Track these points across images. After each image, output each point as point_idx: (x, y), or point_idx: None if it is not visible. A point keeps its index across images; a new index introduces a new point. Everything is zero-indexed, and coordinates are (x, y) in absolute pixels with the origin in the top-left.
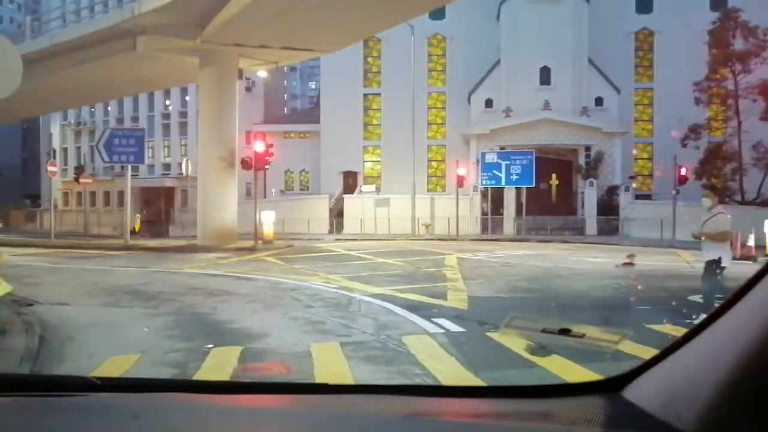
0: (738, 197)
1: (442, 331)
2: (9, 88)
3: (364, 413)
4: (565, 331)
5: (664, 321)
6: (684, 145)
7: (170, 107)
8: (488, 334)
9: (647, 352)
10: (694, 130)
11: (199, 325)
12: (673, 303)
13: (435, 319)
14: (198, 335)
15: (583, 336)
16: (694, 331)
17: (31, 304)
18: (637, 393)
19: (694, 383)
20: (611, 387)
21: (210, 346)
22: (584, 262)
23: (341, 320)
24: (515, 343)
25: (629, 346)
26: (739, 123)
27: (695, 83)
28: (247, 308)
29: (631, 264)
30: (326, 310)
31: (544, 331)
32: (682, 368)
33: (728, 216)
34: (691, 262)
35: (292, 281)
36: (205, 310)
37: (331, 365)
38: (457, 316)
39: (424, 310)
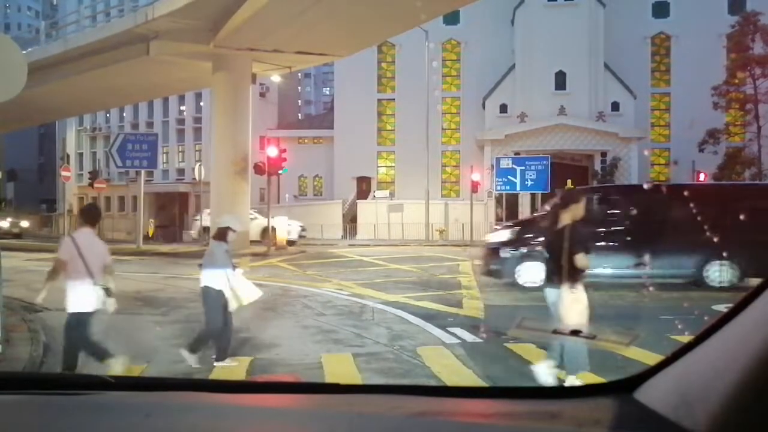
0: None
1: (459, 341)
2: (13, 91)
3: (374, 413)
4: (576, 332)
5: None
6: (701, 150)
7: (185, 112)
8: (507, 345)
9: None
10: (713, 135)
11: None
12: (696, 312)
13: (451, 329)
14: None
15: (594, 337)
16: (705, 334)
17: (39, 311)
18: (648, 395)
19: (706, 384)
20: (622, 388)
21: None
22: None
23: (354, 329)
24: (535, 356)
25: (653, 358)
26: (759, 128)
27: (713, 88)
28: (258, 316)
29: (643, 265)
30: (338, 319)
31: (555, 332)
32: (694, 370)
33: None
34: None
35: (304, 288)
36: None
37: (343, 378)
38: (473, 326)
39: (440, 319)
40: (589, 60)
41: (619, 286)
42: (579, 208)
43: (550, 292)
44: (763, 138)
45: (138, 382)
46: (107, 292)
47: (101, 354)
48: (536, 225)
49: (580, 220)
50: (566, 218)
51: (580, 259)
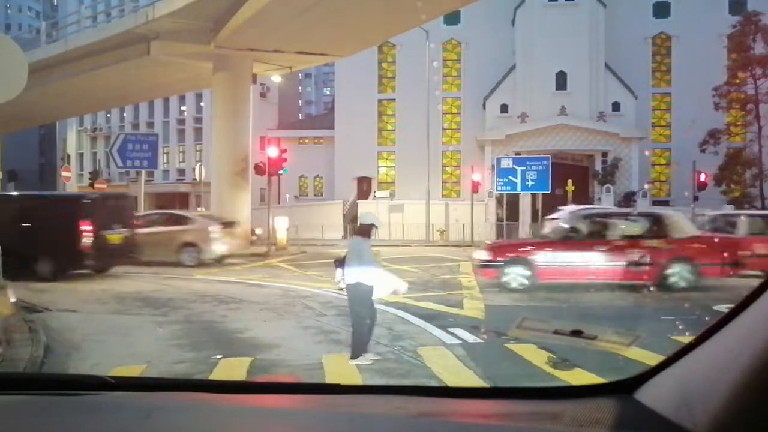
0: (758, 204)
1: (459, 342)
2: (13, 91)
3: (376, 414)
4: (577, 333)
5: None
6: (702, 151)
7: (185, 113)
8: (507, 345)
9: None
10: (713, 135)
11: (208, 334)
12: (697, 313)
13: (451, 329)
14: (207, 345)
15: (595, 338)
16: (706, 334)
17: (40, 311)
18: (649, 395)
19: (707, 385)
20: (623, 389)
21: (218, 356)
22: None
23: None
24: (536, 356)
25: (654, 359)
26: (760, 128)
27: (714, 88)
28: (259, 316)
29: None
30: (339, 319)
31: (555, 332)
32: (695, 370)
33: None
34: None
35: (304, 288)
36: (215, 318)
37: (344, 378)
38: (474, 326)
39: (440, 320)
40: (590, 60)
41: None
42: None
43: None
44: (764, 138)
45: (138, 382)
46: None
47: None
48: None
49: None
50: None
51: None
